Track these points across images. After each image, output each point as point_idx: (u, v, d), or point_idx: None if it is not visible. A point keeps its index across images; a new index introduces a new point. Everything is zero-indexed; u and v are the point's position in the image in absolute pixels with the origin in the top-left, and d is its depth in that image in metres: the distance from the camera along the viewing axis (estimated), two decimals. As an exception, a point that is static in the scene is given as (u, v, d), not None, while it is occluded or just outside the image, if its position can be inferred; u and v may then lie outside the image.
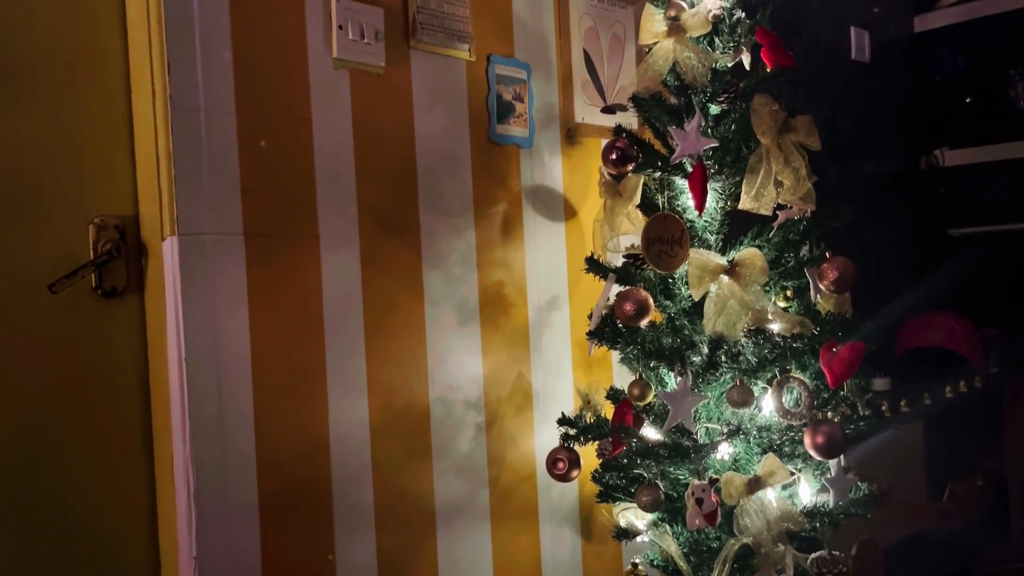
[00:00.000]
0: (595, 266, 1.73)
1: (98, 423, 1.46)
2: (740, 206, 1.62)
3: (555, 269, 2.02)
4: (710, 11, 1.62)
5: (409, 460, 1.72)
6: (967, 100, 3.24)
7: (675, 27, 1.63)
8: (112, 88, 1.49)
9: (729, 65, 1.67)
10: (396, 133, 1.72)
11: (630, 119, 1.99)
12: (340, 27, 1.61)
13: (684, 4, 1.65)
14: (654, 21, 1.66)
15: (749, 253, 1.56)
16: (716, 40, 1.65)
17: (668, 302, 1.69)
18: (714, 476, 1.59)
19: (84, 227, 1.45)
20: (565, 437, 1.72)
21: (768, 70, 1.63)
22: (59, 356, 1.43)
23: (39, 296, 1.40)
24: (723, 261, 1.57)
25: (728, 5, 1.65)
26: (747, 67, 1.68)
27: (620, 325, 1.65)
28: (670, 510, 1.66)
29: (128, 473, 1.49)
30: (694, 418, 1.58)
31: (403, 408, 1.71)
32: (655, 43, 1.66)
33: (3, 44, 1.39)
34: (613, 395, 1.83)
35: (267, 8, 1.53)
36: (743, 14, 1.67)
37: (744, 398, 1.55)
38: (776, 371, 1.56)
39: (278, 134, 1.54)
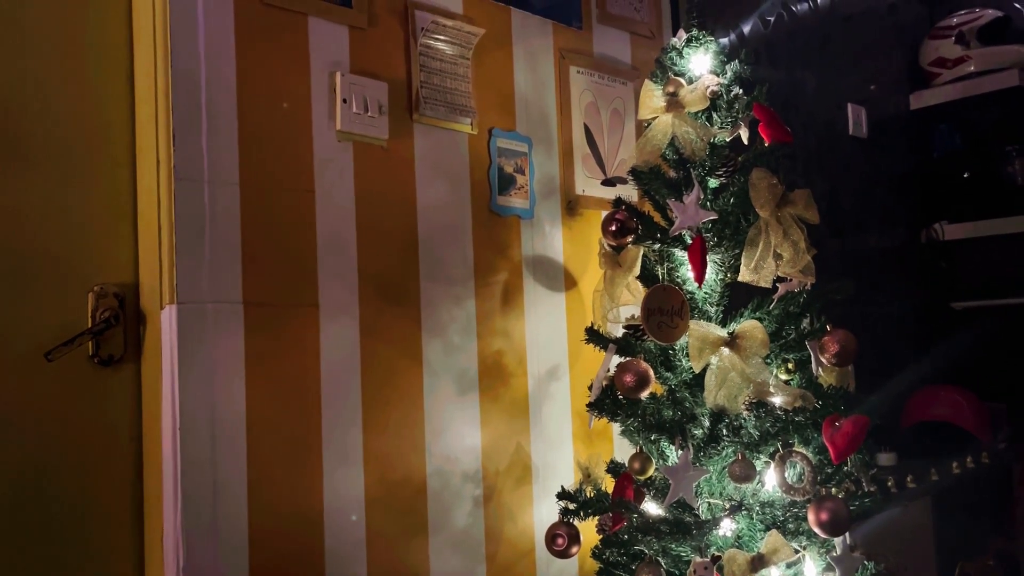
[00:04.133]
0: (595, 337, 1.73)
1: (89, 492, 1.44)
2: (740, 278, 1.62)
3: (555, 339, 2.01)
4: (708, 87, 1.65)
5: (404, 534, 1.69)
6: (965, 175, 3.27)
7: (674, 103, 1.66)
8: (118, 158, 1.52)
9: (727, 140, 1.70)
10: (398, 204, 1.74)
11: (630, 192, 2.02)
12: (344, 100, 1.64)
13: (682, 81, 1.68)
14: (653, 97, 1.70)
15: (750, 325, 1.56)
16: (714, 115, 1.68)
17: (669, 374, 1.68)
18: (716, 553, 1.55)
19: (83, 295, 1.46)
20: (565, 512, 1.68)
21: (766, 145, 1.65)
22: (53, 424, 1.42)
23: (35, 364, 1.40)
24: (723, 333, 1.56)
25: (726, 82, 1.68)
26: (745, 142, 1.71)
27: (620, 397, 1.63)
28: (672, 589, 1.62)
29: (117, 544, 1.46)
30: (696, 493, 1.56)
31: (399, 480, 1.68)
32: (654, 118, 1.69)
33: (12, 114, 1.42)
34: (614, 468, 1.79)
35: (273, 81, 1.57)
36: (740, 90, 1.70)
37: (746, 472, 1.52)
38: (778, 445, 1.54)
39: (281, 205, 1.56)
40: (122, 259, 1.50)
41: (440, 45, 1.82)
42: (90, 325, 1.45)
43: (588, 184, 2.11)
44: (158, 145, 1.46)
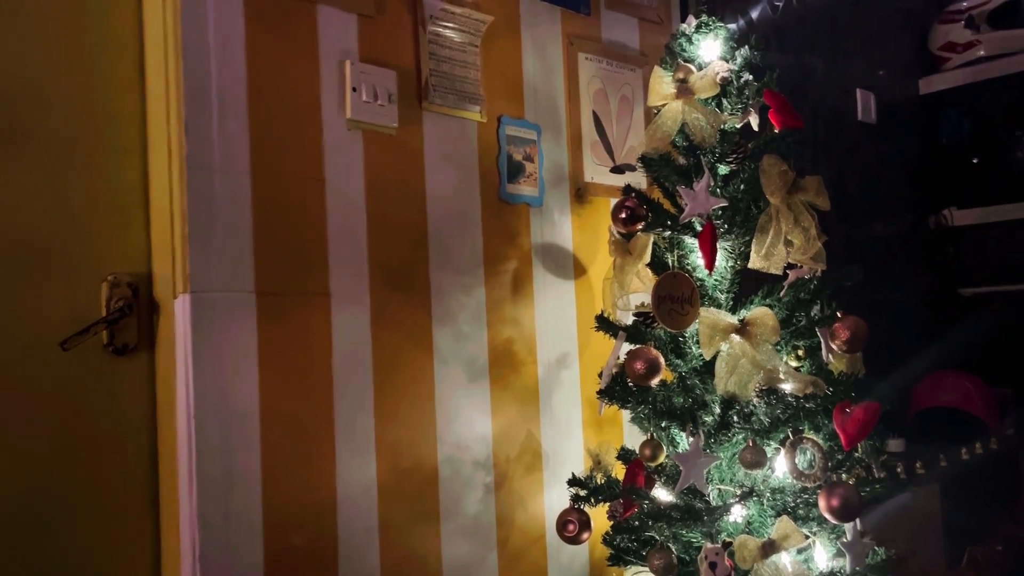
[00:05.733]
0: (605, 324, 1.73)
1: (105, 481, 1.45)
2: (750, 265, 1.62)
3: (565, 327, 2.02)
4: (718, 74, 1.64)
5: (416, 522, 1.70)
6: (974, 161, 3.26)
7: (684, 89, 1.65)
8: (129, 147, 1.52)
9: (738, 126, 1.69)
10: (408, 192, 1.74)
11: (639, 179, 2.01)
12: (354, 89, 1.64)
13: (692, 67, 1.68)
14: (663, 83, 1.69)
15: (760, 312, 1.56)
16: (724, 102, 1.67)
17: (679, 361, 1.68)
18: (727, 539, 1.56)
19: (97, 284, 1.46)
20: (575, 498, 1.69)
21: (776, 131, 1.65)
22: (68, 413, 1.43)
23: (50, 353, 1.40)
24: (734, 320, 1.56)
25: (736, 68, 1.67)
26: (755, 128, 1.70)
27: (631, 384, 1.64)
28: (683, 574, 1.63)
29: (133, 532, 1.48)
30: (706, 479, 1.56)
31: (411, 468, 1.69)
32: (664, 105, 1.68)
33: (22, 103, 1.42)
34: (624, 455, 1.80)
35: (283, 70, 1.57)
36: (751, 76, 1.69)
37: (757, 459, 1.53)
38: (789, 432, 1.54)
39: (292, 194, 1.56)
40: (135, 249, 1.51)
41: (449, 33, 1.81)
42: (104, 314, 1.46)
43: (597, 171, 2.11)
44: (169, 134, 1.46)
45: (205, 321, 1.43)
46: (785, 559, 1.51)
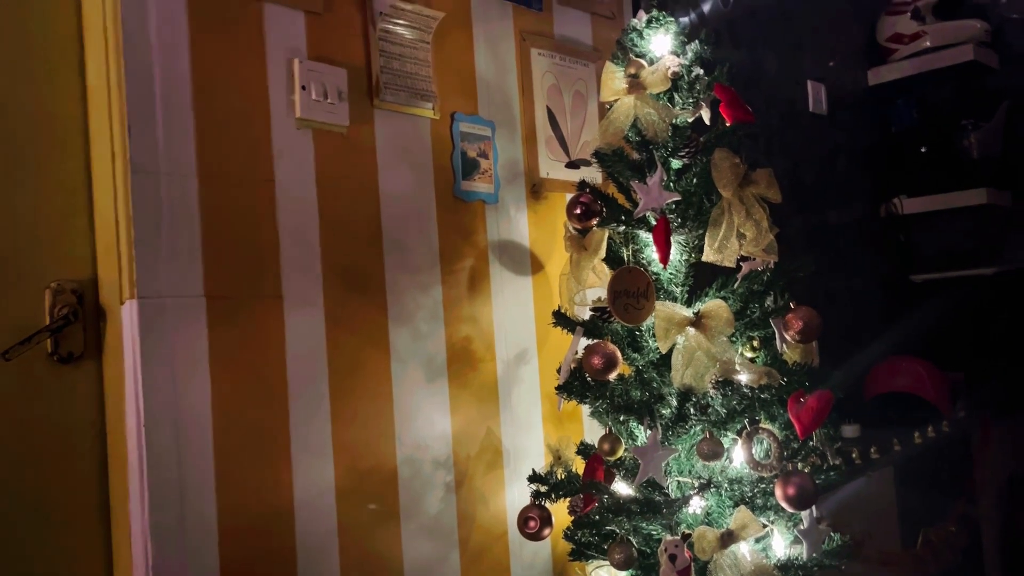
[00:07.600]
0: (562, 320, 1.73)
1: (54, 493, 1.42)
2: (704, 258, 1.63)
3: (523, 323, 2.01)
4: (669, 68, 1.65)
5: (376, 523, 1.68)
6: (922, 150, 3.32)
7: (635, 84, 1.66)
8: (71, 151, 1.48)
9: (689, 120, 1.70)
10: (361, 192, 1.72)
11: (594, 174, 2.02)
12: (303, 87, 1.62)
13: (643, 62, 1.68)
14: (615, 79, 1.69)
15: (715, 305, 1.57)
16: (676, 96, 1.68)
17: (636, 355, 1.68)
18: (687, 531, 1.57)
19: (40, 292, 1.43)
20: (536, 495, 1.69)
21: (728, 125, 1.66)
22: (12, 424, 1.39)
23: (-8, 363, 1.37)
24: (689, 313, 1.57)
25: (687, 62, 1.68)
26: (707, 122, 1.71)
27: (589, 379, 1.64)
28: (643, 567, 1.64)
29: (84, 544, 1.44)
30: (665, 472, 1.57)
31: (370, 470, 1.68)
32: (616, 100, 1.68)
33: (-41, 109, 1.38)
34: (584, 450, 1.81)
35: (229, 69, 1.54)
36: (702, 71, 1.70)
37: (714, 450, 1.54)
38: (745, 422, 1.55)
39: (241, 195, 1.53)
40: (79, 254, 1.47)
41: (399, 29, 1.80)
42: (48, 322, 1.42)
43: (552, 167, 2.11)
44: (112, 137, 1.43)
45: (153, 327, 1.40)
46: (744, 548, 1.53)
